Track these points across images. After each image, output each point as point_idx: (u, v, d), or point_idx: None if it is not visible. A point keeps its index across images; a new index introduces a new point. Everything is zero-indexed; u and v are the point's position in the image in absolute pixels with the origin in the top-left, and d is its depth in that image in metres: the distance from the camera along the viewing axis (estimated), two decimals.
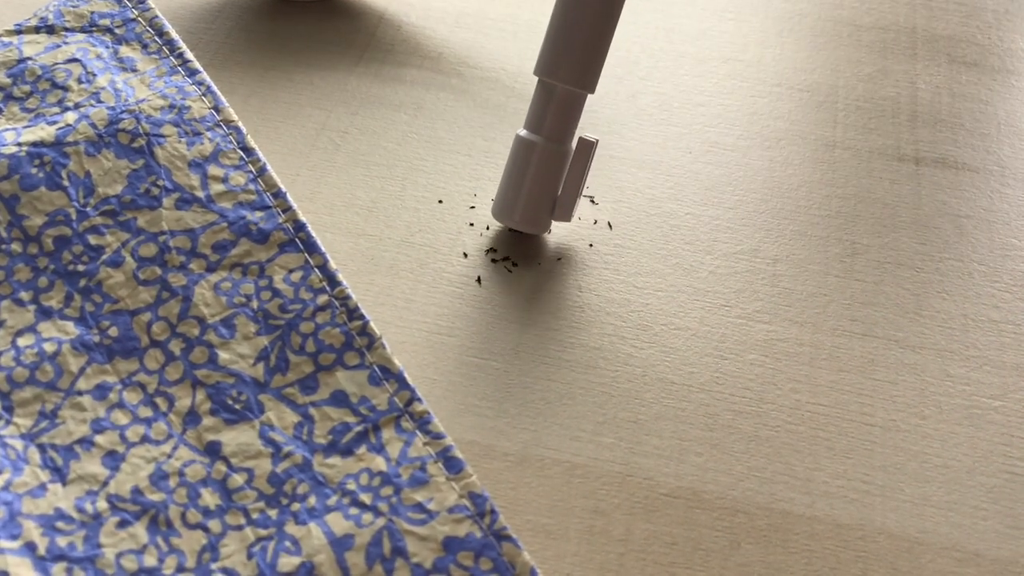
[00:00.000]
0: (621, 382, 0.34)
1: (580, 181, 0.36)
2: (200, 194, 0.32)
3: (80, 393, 0.29)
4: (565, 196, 0.36)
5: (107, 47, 0.35)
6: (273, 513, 0.27)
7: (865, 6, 0.50)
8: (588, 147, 0.35)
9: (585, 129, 0.43)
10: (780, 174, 0.42)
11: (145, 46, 0.35)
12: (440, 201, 0.40)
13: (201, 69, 0.34)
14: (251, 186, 0.32)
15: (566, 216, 0.36)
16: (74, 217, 0.31)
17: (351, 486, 0.27)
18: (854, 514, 0.31)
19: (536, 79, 0.36)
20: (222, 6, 0.48)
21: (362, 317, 0.30)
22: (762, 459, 0.33)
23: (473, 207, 0.40)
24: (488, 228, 0.39)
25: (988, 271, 0.39)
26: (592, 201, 0.40)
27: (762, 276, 0.38)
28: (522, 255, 0.38)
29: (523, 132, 0.36)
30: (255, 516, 0.27)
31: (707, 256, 0.39)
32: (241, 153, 0.32)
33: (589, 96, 0.45)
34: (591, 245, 0.39)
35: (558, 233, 0.39)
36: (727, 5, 0.50)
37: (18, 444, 0.28)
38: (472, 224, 0.39)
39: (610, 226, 0.39)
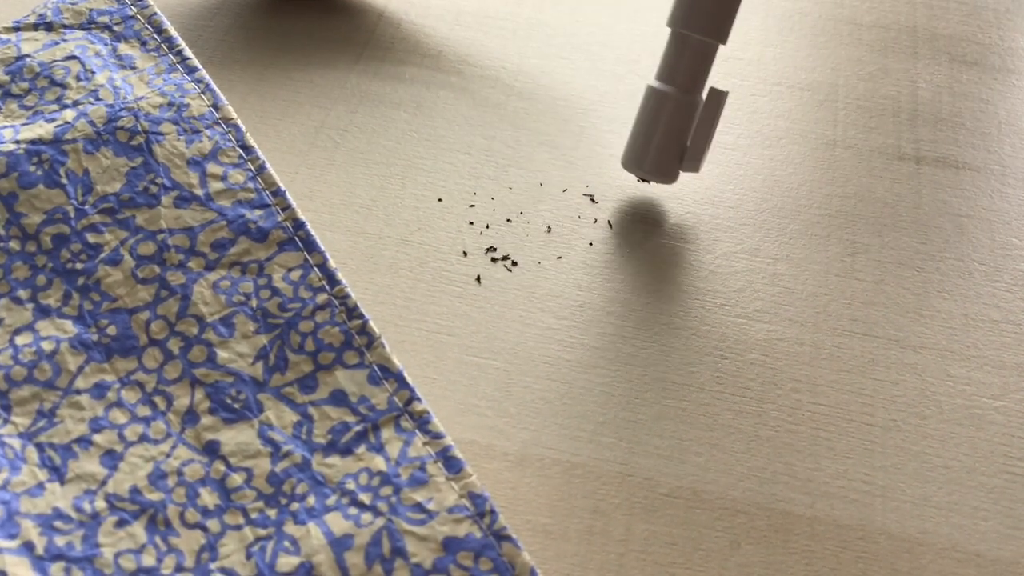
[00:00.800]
0: (621, 382, 0.34)
1: (710, 132, 0.36)
2: (199, 192, 0.32)
3: (78, 392, 0.29)
4: (695, 147, 0.36)
5: (106, 44, 0.35)
6: (272, 513, 0.27)
7: (866, 5, 0.50)
8: (719, 97, 0.36)
9: (586, 128, 0.43)
10: (780, 173, 0.42)
11: (144, 43, 0.35)
12: (440, 199, 0.40)
13: (200, 67, 0.34)
14: (250, 184, 0.32)
15: (695, 167, 0.37)
16: (72, 215, 0.31)
17: (350, 486, 0.27)
18: (854, 514, 0.31)
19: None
20: (220, 3, 0.48)
21: (361, 316, 0.29)
22: (762, 459, 0.33)
23: (473, 206, 0.39)
24: (488, 227, 0.39)
25: (989, 271, 0.39)
26: (592, 200, 0.40)
27: (762, 275, 0.38)
28: (522, 254, 0.38)
29: (655, 83, 0.36)
30: (254, 516, 0.27)
31: (707, 255, 0.38)
32: (240, 151, 0.32)
33: (590, 95, 0.44)
34: (591, 244, 0.38)
35: (558, 232, 0.39)
36: None
37: (16, 443, 0.28)
38: (472, 223, 0.39)
39: (610, 225, 0.39)
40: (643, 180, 0.39)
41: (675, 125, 0.36)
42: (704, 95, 0.36)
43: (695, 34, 0.35)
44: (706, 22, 0.35)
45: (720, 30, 0.35)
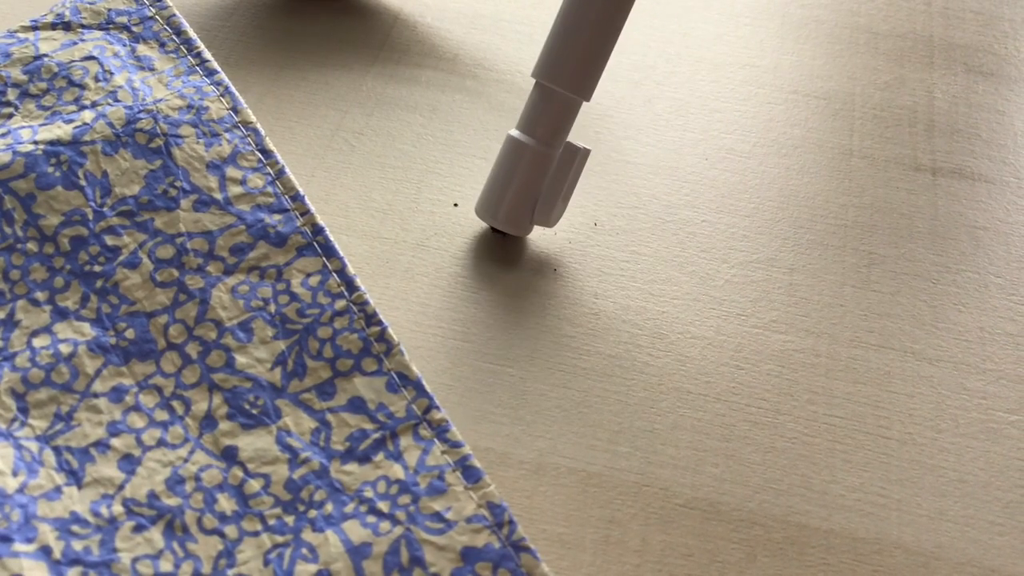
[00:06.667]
0: (637, 391, 0.34)
1: (562, 186, 0.35)
2: (218, 196, 0.31)
3: (96, 395, 0.29)
4: (546, 200, 0.36)
5: (124, 45, 0.35)
6: (290, 520, 0.27)
7: (882, 14, 0.50)
8: (574, 153, 0.35)
9: (602, 134, 0.43)
10: (796, 182, 0.42)
11: (163, 45, 0.35)
12: (456, 204, 0.39)
13: (219, 69, 0.34)
14: (269, 188, 0.32)
15: (546, 221, 0.36)
16: (91, 217, 0.31)
17: (368, 494, 0.27)
18: (870, 528, 0.31)
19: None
20: (236, 4, 0.48)
21: (380, 323, 0.29)
22: (778, 471, 0.32)
23: None
24: (504, 233, 0.39)
25: (1005, 284, 0.38)
26: (608, 207, 0.40)
27: (779, 285, 0.38)
28: (538, 261, 0.38)
29: (515, 132, 0.36)
30: (272, 522, 0.27)
31: (723, 264, 0.38)
32: (259, 155, 0.32)
33: (606, 101, 0.44)
34: (607, 251, 0.38)
35: (574, 239, 0.39)
36: (743, 10, 0.50)
37: (33, 446, 0.28)
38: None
39: (627, 233, 0.39)
40: (496, 232, 0.38)
41: (531, 177, 0.35)
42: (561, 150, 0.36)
43: (559, 88, 0.35)
44: (571, 78, 0.34)
45: (584, 87, 0.35)
